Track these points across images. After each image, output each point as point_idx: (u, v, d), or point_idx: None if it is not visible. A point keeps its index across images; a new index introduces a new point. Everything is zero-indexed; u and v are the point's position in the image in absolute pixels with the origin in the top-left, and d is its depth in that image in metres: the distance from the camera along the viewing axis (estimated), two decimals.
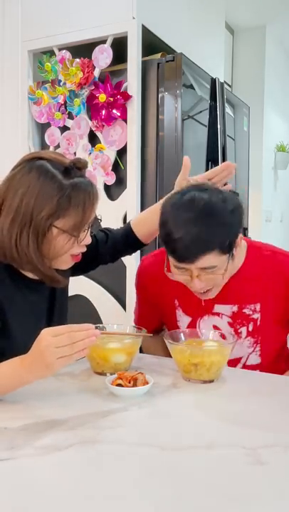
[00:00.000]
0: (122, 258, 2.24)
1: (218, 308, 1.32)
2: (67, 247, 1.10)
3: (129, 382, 1.01)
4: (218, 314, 1.32)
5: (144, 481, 0.70)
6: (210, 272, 1.16)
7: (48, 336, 0.88)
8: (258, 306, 1.30)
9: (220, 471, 0.73)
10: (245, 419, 0.93)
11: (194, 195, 1.14)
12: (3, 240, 1.06)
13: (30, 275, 1.15)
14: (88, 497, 0.65)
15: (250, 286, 1.30)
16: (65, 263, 1.15)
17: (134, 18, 2.12)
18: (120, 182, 2.22)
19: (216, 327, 1.32)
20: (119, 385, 1.01)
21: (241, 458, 0.76)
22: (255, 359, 1.32)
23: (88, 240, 1.14)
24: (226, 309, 1.31)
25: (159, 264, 1.34)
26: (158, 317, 1.44)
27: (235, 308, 1.31)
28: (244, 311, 1.31)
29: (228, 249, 1.15)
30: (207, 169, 2.46)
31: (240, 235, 1.21)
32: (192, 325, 1.35)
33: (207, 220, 1.12)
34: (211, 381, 1.11)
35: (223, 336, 1.25)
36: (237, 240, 1.18)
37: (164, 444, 0.80)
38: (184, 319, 1.36)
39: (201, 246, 1.12)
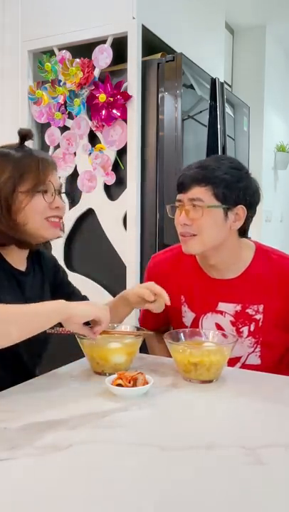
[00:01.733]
0: (122, 258, 2.24)
1: (221, 306, 1.34)
2: (37, 208, 1.17)
3: (129, 382, 1.01)
4: (221, 312, 1.34)
5: (143, 481, 0.70)
6: (196, 208, 1.25)
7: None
8: (261, 307, 1.32)
9: (220, 471, 0.73)
10: (245, 419, 0.94)
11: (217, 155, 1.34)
12: None
13: (17, 266, 1.24)
14: (88, 497, 0.65)
15: (255, 287, 1.32)
16: (46, 229, 1.20)
17: (134, 18, 2.12)
18: (120, 182, 2.22)
19: (218, 325, 1.34)
20: (119, 385, 1.01)
21: (241, 458, 0.76)
22: (254, 359, 1.32)
23: (59, 203, 1.22)
24: (230, 308, 1.33)
25: (169, 261, 1.43)
26: (163, 313, 1.45)
27: (238, 307, 1.33)
28: (247, 311, 1.32)
29: (222, 197, 1.25)
30: None
31: (243, 208, 1.29)
32: (196, 321, 1.37)
33: (214, 162, 1.28)
34: (211, 381, 1.11)
35: (224, 336, 1.26)
36: (237, 207, 1.27)
37: (164, 444, 0.80)
38: (188, 315, 1.39)
39: (197, 177, 1.26)
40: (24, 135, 1.26)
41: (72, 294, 1.40)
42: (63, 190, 1.28)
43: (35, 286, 1.27)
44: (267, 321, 1.31)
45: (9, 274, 1.21)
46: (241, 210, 1.28)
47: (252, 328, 1.31)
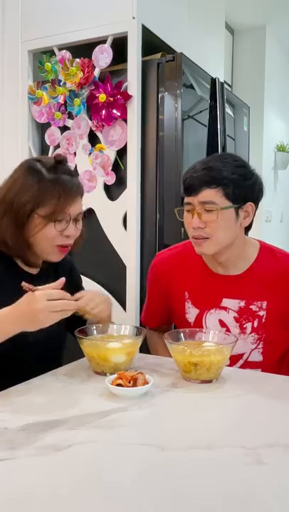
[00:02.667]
0: (122, 258, 2.24)
1: (225, 302, 1.35)
2: (48, 235, 1.19)
3: (129, 382, 1.01)
4: (225, 308, 1.36)
5: (143, 481, 0.70)
6: (208, 211, 1.25)
7: (43, 299, 1.00)
8: (264, 304, 1.33)
9: (220, 471, 0.73)
10: (245, 419, 0.94)
11: (220, 154, 1.38)
12: None
13: (29, 270, 1.26)
14: (88, 497, 0.65)
15: (260, 284, 1.34)
16: (53, 254, 1.24)
17: (134, 18, 2.12)
18: (120, 182, 2.22)
19: (221, 321, 1.35)
20: (119, 385, 1.01)
21: (241, 458, 0.76)
22: (257, 356, 1.33)
23: (70, 232, 1.23)
24: (234, 304, 1.35)
25: (174, 258, 1.45)
26: (166, 310, 1.47)
27: (242, 303, 1.34)
28: (251, 307, 1.34)
29: (233, 197, 1.26)
30: None
31: (252, 205, 1.31)
32: (199, 317, 1.38)
33: (221, 162, 1.27)
34: (211, 381, 1.11)
35: (228, 331, 1.31)
36: (246, 204, 1.29)
37: (164, 444, 0.80)
38: (192, 311, 1.40)
39: (206, 179, 1.25)
40: (59, 162, 1.25)
41: None
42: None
43: None
44: (270, 318, 1.33)
45: (17, 278, 1.19)
46: (250, 206, 1.31)
47: (255, 325, 1.33)
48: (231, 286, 1.35)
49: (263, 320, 1.33)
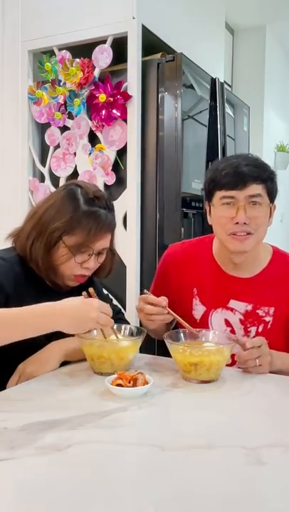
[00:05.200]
0: (122, 258, 2.24)
1: (233, 303, 1.34)
2: (66, 262, 1.21)
3: (129, 382, 1.01)
4: (231, 309, 1.35)
5: (143, 481, 0.70)
6: (256, 205, 1.25)
7: (99, 309, 1.03)
8: (271, 310, 1.32)
9: (220, 471, 0.73)
10: (245, 419, 0.93)
11: (242, 153, 1.37)
12: (24, 242, 1.22)
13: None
14: (88, 497, 0.65)
15: (269, 289, 1.33)
16: (69, 280, 1.26)
17: (134, 18, 2.12)
18: (120, 182, 2.22)
19: (227, 321, 1.35)
20: (119, 385, 1.01)
21: (241, 458, 0.76)
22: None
23: (91, 265, 1.24)
24: (241, 306, 1.34)
25: (186, 252, 1.44)
26: (172, 306, 1.42)
27: (249, 307, 1.33)
28: (257, 311, 1.32)
29: (271, 195, 1.28)
30: (207, 169, 2.46)
31: (275, 205, 1.33)
32: (206, 315, 1.37)
33: (259, 159, 1.30)
34: (211, 381, 1.11)
35: (233, 332, 1.30)
36: (274, 204, 1.31)
37: (164, 444, 0.80)
38: (199, 308, 1.39)
39: (254, 173, 1.24)
40: (97, 197, 1.24)
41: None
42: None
43: None
44: (276, 325, 1.32)
45: (41, 292, 1.21)
46: (274, 207, 1.33)
47: (260, 329, 1.32)
48: (240, 289, 1.34)
49: (269, 326, 1.32)
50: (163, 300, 1.20)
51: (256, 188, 1.24)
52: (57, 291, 1.23)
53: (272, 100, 4.38)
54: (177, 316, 1.22)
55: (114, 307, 1.50)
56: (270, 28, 4.23)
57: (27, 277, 1.22)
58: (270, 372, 1.21)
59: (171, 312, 1.21)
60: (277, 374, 1.23)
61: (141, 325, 1.46)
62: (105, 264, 1.32)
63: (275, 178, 1.30)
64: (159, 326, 1.31)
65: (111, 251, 1.32)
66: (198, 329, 1.25)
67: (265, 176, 1.26)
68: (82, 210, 1.20)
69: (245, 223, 1.25)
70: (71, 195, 1.23)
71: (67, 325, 1.03)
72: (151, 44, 2.28)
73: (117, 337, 1.16)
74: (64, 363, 1.23)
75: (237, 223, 1.25)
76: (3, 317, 0.98)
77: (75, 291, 1.25)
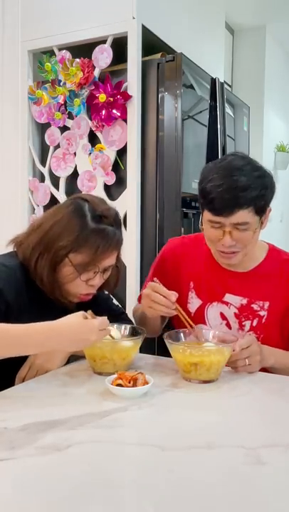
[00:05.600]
0: (122, 258, 2.24)
1: (228, 297, 1.36)
2: (70, 279, 1.18)
3: (129, 382, 1.01)
4: (226, 303, 1.36)
5: (143, 481, 0.70)
6: (242, 230, 1.22)
7: (98, 329, 1.01)
8: (266, 304, 1.34)
9: (220, 471, 0.73)
10: (245, 419, 0.94)
11: (233, 158, 1.27)
12: (28, 255, 1.20)
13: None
14: (88, 497, 0.65)
15: (264, 284, 1.34)
16: (74, 297, 1.24)
17: (134, 18, 2.12)
18: (120, 182, 2.22)
19: (222, 315, 1.36)
20: (119, 385, 1.01)
21: (241, 458, 0.76)
22: None
23: (96, 283, 1.22)
24: (236, 300, 1.35)
25: (184, 246, 1.46)
26: None
27: (244, 301, 1.34)
28: (252, 305, 1.34)
29: (260, 211, 1.24)
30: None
31: (270, 209, 1.30)
32: (201, 309, 1.39)
33: (246, 177, 1.21)
34: (211, 381, 1.11)
35: (228, 326, 1.31)
36: (267, 209, 1.27)
37: (164, 444, 0.80)
38: (194, 302, 1.40)
39: (238, 200, 1.19)
40: (105, 217, 1.22)
41: (111, 311, 1.40)
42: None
43: None
44: (270, 319, 1.33)
45: (43, 301, 1.20)
46: (268, 210, 1.31)
47: (255, 324, 1.33)
48: (236, 283, 1.36)
49: (263, 320, 1.33)
50: (173, 294, 1.20)
51: (242, 216, 1.21)
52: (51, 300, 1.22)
53: (272, 100, 4.38)
54: (183, 313, 1.22)
55: (117, 308, 1.49)
56: (270, 28, 4.23)
57: (28, 286, 1.20)
58: (264, 369, 1.22)
59: (179, 308, 1.22)
60: (270, 371, 1.24)
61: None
62: (110, 279, 1.29)
63: (266, 191, 1.25)
64: (156, 317, 1.32)
65: (116, 266, 1.29)
66: (197, 326, 1.26)
67: (253, 196, 1.21)
68: (89, 228, 1.17)
69: (231, 245, 1.25)
70: (78, 212, 1.20)
71: (66, 346, 1.03)
72: (151, 44, 2.28)
73: (112, 337, 1.15)
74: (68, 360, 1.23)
75: (225, 245, 1.25)
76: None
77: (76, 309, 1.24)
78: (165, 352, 1.20)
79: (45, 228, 1.20)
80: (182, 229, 2.20)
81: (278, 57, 4.59)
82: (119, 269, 1.33)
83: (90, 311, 1.04)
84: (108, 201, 2.20)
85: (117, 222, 1.26)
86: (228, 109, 2.63)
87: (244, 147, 2.98)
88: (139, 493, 0.67)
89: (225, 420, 0.93)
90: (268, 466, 0.74)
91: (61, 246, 1.16)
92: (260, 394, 1.08)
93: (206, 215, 1.26)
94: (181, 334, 1.23)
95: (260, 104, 4.15)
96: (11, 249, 1.28)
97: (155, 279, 1.26)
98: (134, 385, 1.01)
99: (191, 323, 1.24)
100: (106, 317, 1.05)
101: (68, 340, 0.99)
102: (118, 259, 1.28)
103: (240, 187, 1.20)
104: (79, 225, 1.17)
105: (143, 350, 1.29)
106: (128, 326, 1.29)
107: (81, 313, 1.02)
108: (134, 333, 1.26)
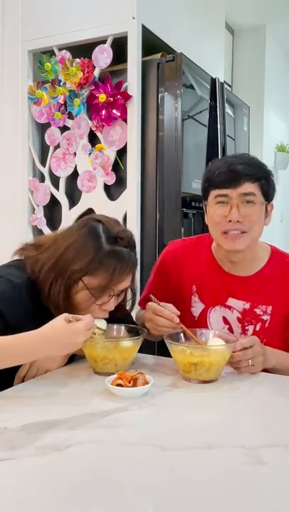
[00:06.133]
0: None
1: (231, 301, 1.35)
2: (85, 304, 1.15)
3: (129, 382, 1.01)
4: (229, 308, 1.35)
5: (143, 481, 0.70)
6: (249, 204, 1.25)
7: (84, 331, 1.01)
8: (269, 309, 1.32)
9: (220, 471, 0.73)
10: (245, 419, 0.94)
11: (237, 154, 1.36)
12: (41, 278, 1.16)
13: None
14: (88, 497, 0.65)
15: (267, 288, 1.33)
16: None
17: (134, 18, 2.12)
18: (120, 182, 2.22)
19: (225, 319, 1.35)
20: (119, 385, 1.01)
21: (241, 458, 0.76)
22: None
23: (111, 307, 1.19)
24: (239, 305, 1.34)
25: (186, 249, 1.44)
26: (169, 299, 1.40)
27: (247, 305, 1.33)
28: (255, 310, 1.33)
29: (265, 194, 1.27)
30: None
31: (272, 205, 1.33)
32: (204, 313, 1.38)
33: (252, 158, 1.31)
34: (211, 381, 1.11)
35: (231, 330, 1.30)
36: (270, 203, 1.31)
37: (164, 444, 0.80)
38: (198, 305, 1.40)
39: (247, 171, 1.24)
40: (120, 238, 1.19)
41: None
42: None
43: None
44: (273, 324, 1.32)
45: (48, 316, 1.15)
46: (271, 206, 1.32)
47: (258, 328, 1.32)
48: (238, 287, 1.34)
49: (266, 325, 1.32)
50: (175, 316, 1.20)
51: (249, 187, 1.24)
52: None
53: (272, 100, 4.38)
54: (187, 330, 1.21)
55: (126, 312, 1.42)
56: (270, 28, 4.23)
57: (34, 301, 1.16)
58: (265, 369, 1.22)
59: (184, 327, 1.21)
60: (272, 372, 1.23)
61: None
62: (124, 303, 1.27)
63: (270, 177, 1.30)
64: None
65: (131, 290, 1.27)
66: (199, 329, 1.25)
67: (259, 174, 1.26)
68: (104, 250, 1.14)
69: (238, 221, 1.25)
70: (93, 234, 1.16)
71: (56, 352, 1.05)
72: (151, 44, 2.28)
73: (99, 329, 1.15)
74: (69, 360, 1.23)
75: (230, 221, 1.25)
76: None
77: None
78: (165, 352, 1.20)
79: (58, 251, 1.16)
80: (182, 229, 2.20)
81: (278, 57, 4.59)
82: (135, 293, 1.29)
83: (73, 315, 1.03)
84: (108, 201, 2.24)
85: (132, 244, 1.23)
86: (228, 109, 2.63)
87: (244, 147, 2.97)
88: (139, 493, 0.67)
89: (225, 420, 0.93)
90: (268, 466, 0.74)
91: (75, 269, 1.13)
92: (260, 394, 1.08)
93: (212, 194, 1.28)
94: (181, 334, 1.23)
95: (260, 104, 4.15)
96: (10, 249, 1.26)
97: (152, 296, 1.24)
98: (134, 385, 1.01)
99: (196, 339, 1.22)
100: (90, 315, 1.05)
101: (56, 346, 1.00)
102: (133, 282, 1.25)
103: (246, 163, 1.26)
104: (93, 247, 1.14)
105: (143, 350, 1.29)
106: (128, 326, 1.28)
107: (64, 316, 1.01)
108: (134, 333, 1.26)
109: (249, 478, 0.70)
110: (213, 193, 1.28)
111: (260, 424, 0.91)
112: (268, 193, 1.29)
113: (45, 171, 2.42)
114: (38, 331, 0.99)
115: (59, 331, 0.99)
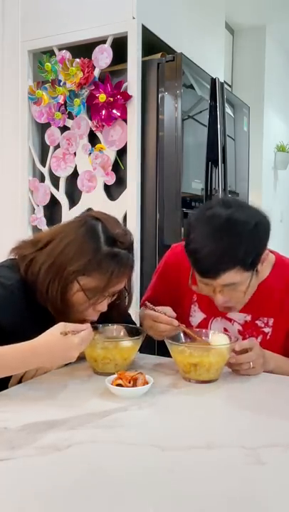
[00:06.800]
0: None
1: (232, 313, 1.33)
2: (82, 307, 1.14)
3: (129, 382, 1.01)
4: (230, 320, 1.33)
5: (143, 481, 0.70)
6: (232, 289, 1.17)
7: (78, 345, 0.98)
8: (271, 321, 1.30)
9: (220, 471, 0.73)
10: (245, 419, 0.93)
11: (216, 210, 1.16)
12: (38, 278, 1.13)
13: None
14: (88, 497, 0.65)
15: (268, 300, 1.30)
16: (77, 321, 1.15)
17: (134, 18, 2.12)
18: (120, 182, 2.22)
19: (226, 331, 1.33)
20: (119, 385, 1.01)
21: (241, 458, 0.76)
22: None
23: (103, 308, 1.17)
24: (240, 317, 1.32)
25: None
26: (170, 304, 1.39)
27: (248, 317, 1.32)
28: (256, 322, 1.31)
29: (250, 266, 1.15)
30: (207, 169, 2.47)
31: (266, 251, 1.21)
32: (204, 323, 1.36)
33: (228, 237, 1.12)
34: (211, 381, 1.11)
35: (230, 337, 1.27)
36: (262, 256, 1.18)
37: (164, 444, 0.80)
38: (197, 315, 1.38)
39: (222, 263, 1.12)
40: (120, 241, 1.16)
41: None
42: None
43: None
44: (275, 336, 1.30)
45: (43, 316, 1.14)
46: (265, 253, 1.21)
47: (259, 340, 1.29)
48: None
49: (268, 337, 1.30)
50: (174, 320, 1.20)
51: (229, 277, 1.13)
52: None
53: (272, 100, 4.39)
54: (188, 330, 1.21)
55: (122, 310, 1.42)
56: (270, 28, 4.23)
57: (28, 301, 1.15)
58: (264, 371, 1.21)
59: (184, 329, 1.20)
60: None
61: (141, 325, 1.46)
62: (121, 305, 1.26)
63: (257, 242, 1.16)
64: None
65: (126, 290, 1.25)
66: (199, 330, 1.25)
67: (240, 255, 1.12)
68: (103, 252, 1.12)
69: (225, 301, 1.21)
70: (91, 233, 1.14)
71: (49, 364, 1.07)
72: (151, 44, 2.28)
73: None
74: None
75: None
76: None
77: None
78: (165, 352, 1.20)
79: (56, 250, 1.14)
80: (182, 229, 2.20)
81: (278, 57, 4.59)
82: (131, 295, 1.28)
83: (71, 324, 0.99)
84: (108, 201, 2.24)
85: (130, 246, 1.20)
86: (228, 109, 2.64)
87: (244, 147, 2.98)
88: (139, 493, 0.67)
89: (225, 420, 0.93)
90: (268, 466, 0.74)
91: (72, 269, 1.11)
92: (260, 394, 1.08)
93: (196, 274, 1.20)
94: (181, 334, 1.23)
95: (260, 104, 4.15)
96: (8, 248, 1.24)
97: (148, 303, 1.23)
98: (134, 385, 1.01)
99: (196, 336, 1.21)
100: (89, 329, 1.01)
101: (48, 360, 1.00)
102: (129, 281, 1.23)
103: (224, 248, 1.11)
104: (92, 248, 1.12)
105: (143, 350, 1.29)
106: (128, 326, 1.28)
107: (61, 327, 0.97)
108: (134, 333, 1.26)
109: (249, 478, 0.70)
110: (195, 272, 1.20)
111: (260, 424, 0.91)
112: (255, 260, 1.16)
113: (45, 171, 2.42)
114: (31, 342, 0.96)
115: (52, 345, 0.96)
